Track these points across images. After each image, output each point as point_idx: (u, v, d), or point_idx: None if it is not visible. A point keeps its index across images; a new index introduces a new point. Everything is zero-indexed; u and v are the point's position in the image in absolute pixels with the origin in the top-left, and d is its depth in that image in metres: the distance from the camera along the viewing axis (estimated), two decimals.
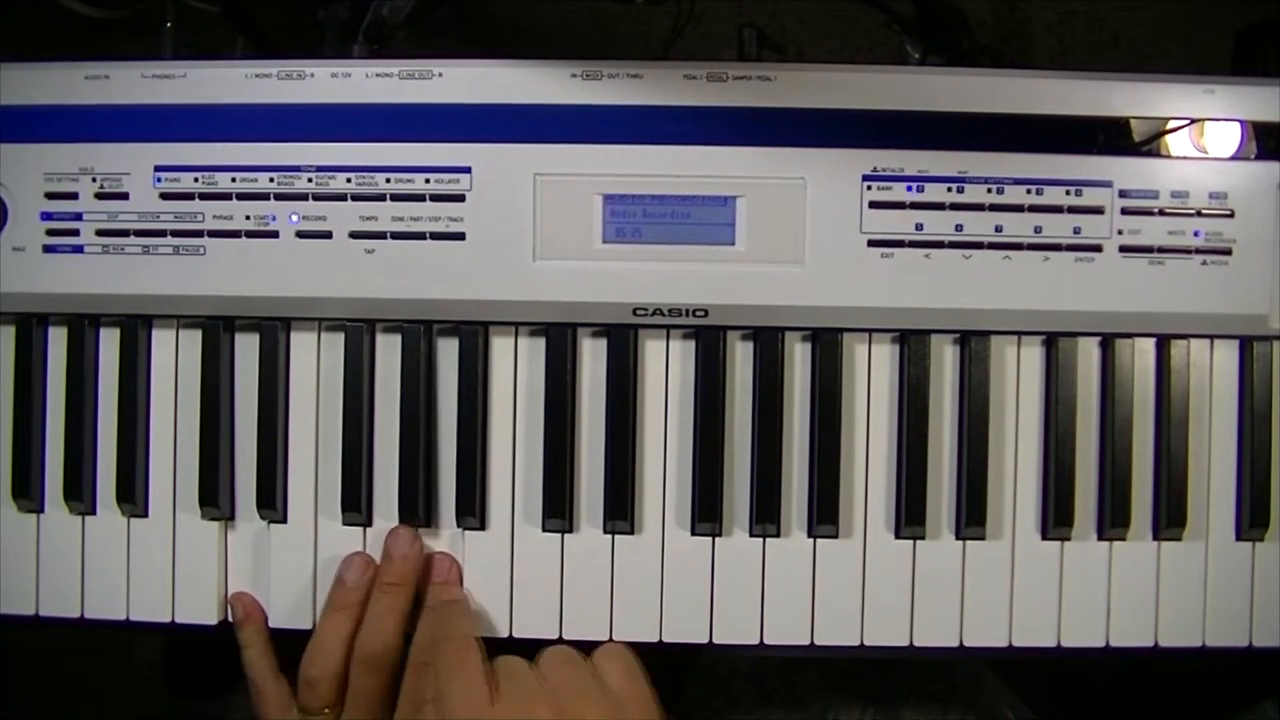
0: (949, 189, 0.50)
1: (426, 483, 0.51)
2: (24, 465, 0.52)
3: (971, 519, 0.50)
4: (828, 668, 0.61)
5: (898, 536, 0.51)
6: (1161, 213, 0.50)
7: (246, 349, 0.52)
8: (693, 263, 0.50)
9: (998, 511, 0.51)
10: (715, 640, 0.51)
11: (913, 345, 0.51)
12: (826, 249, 0.50)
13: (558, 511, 0.51)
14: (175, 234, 0.51)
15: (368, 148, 0.50)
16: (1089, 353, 0.52)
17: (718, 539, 0.51)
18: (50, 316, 0.52)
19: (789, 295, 0.50)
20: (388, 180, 0.50)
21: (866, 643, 0.51)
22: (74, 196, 0.51)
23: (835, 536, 0.51)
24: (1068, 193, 0.50)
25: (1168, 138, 0.50)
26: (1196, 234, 0.50)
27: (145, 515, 0.52)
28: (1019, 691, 0.65)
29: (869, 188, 0.50)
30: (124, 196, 0.51)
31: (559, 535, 0.51)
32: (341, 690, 0.49)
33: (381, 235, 0.50)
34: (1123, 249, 0.50)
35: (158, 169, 0.51)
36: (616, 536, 0.51)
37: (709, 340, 0.51)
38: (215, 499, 0.51)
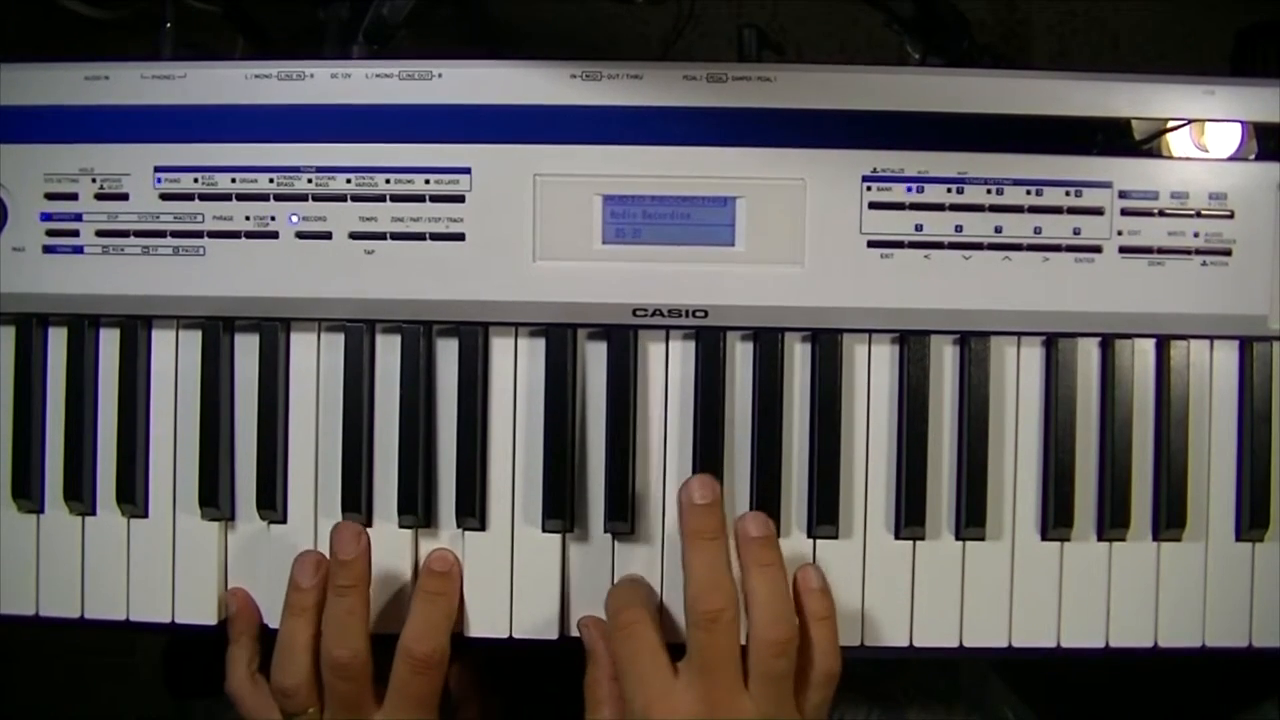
0: (949, 190, 0.50)
1: (426, 483, 0.51)
2: (24, 466, 0.52)
3: (971, 519, 0.50)
4: None
5: (897, 537, 0.51)
6: (1161, 213, 0.50)
7: (246, 349, 0.52)
8: (692, 263, 0.50)
9: (997, 512, 0.51)
10: None
11: (913, 346, 0.51)
12: (826, 249, 0.50)
13: (558, 512, 0.51)
14: (175, 234, 0.51)
15: (367, 148, 0.50)
16: (1089, 353, 0.52)
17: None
18: (50, 317, 0.52)
19: (789, 296, 0.50)
20: (387, 181, 0.50)
21: (866, 643, 0.50)
22: (74, 197, 0.51)
23: (835, 537, 0.51)
24: (1067, 193, 0.50)
25: (1167, 138, 0.50)
26: (1196, 234, 0.50)
27: (145, 515, 0.52)
28: (1020, 692, 0.65)
29: (869, 188, 0.50)
30: (124, 197, 0.51)
31: (559, 535, 0.51)
32: (318, 689, 0.48)
33: (381, 236, 0.50)
34: (1122, 250, 0.50)
35: (158, 170, 0.51)
36: (617, 537, 0.51)
37: (709, 341, 0.51)
38: (215, 499, 0.51)
